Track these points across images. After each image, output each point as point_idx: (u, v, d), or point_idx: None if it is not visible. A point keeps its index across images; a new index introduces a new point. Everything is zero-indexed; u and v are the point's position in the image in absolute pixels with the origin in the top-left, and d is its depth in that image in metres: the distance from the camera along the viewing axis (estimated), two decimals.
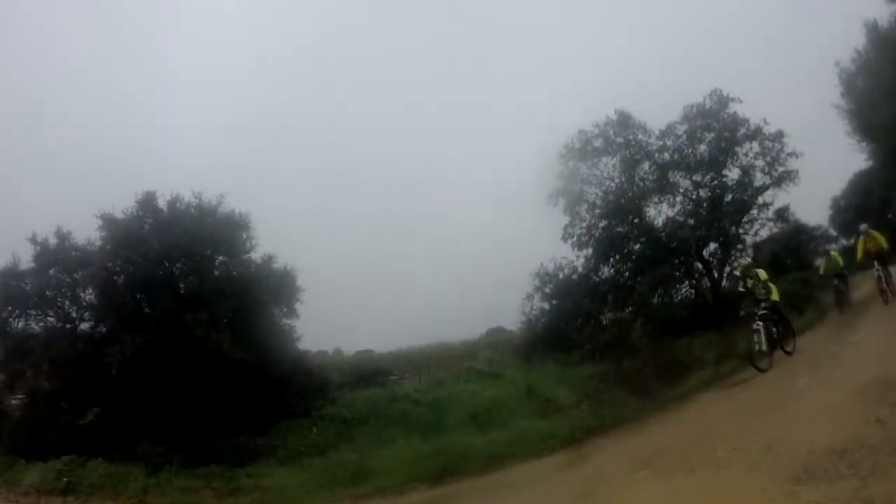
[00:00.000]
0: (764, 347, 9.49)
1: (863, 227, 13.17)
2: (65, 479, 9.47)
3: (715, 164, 15.88)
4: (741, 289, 10.65)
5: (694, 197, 15.89)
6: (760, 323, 9.63)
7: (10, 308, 12.93)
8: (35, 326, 13.01)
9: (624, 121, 15.33)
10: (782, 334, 10.23)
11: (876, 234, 12.50)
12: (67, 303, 12.74)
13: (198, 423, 11.27)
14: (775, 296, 10.25)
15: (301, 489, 8.70)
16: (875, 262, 11.78)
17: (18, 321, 13.16)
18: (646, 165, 15.24)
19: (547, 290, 13.78)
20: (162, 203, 11.28)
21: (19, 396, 13.79)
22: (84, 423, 12.12)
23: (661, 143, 15.80)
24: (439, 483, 8.35)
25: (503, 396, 12.26)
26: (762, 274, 10.48)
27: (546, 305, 13.85)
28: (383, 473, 9.07)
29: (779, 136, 15.28)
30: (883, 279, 11.70)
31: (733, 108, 15.41)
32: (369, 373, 12.85)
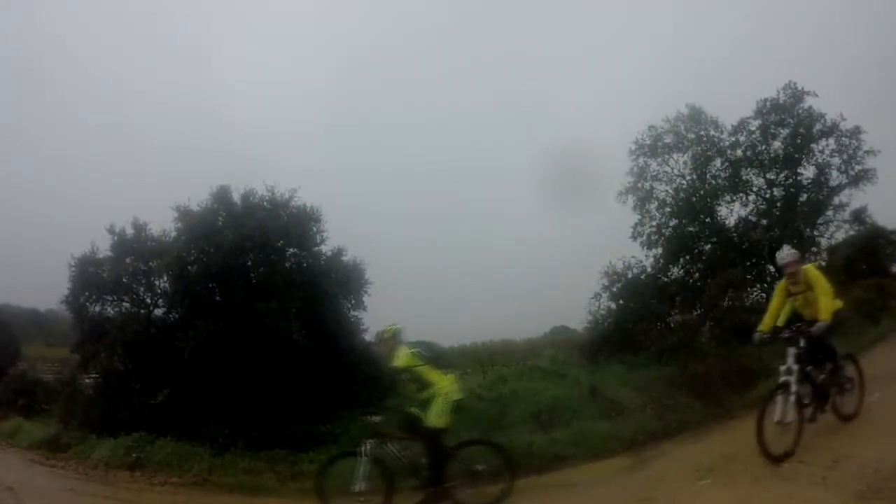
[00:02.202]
0: (787, 418, 5.61)
1: None
2: (133, 454, 9.81)
3: (789, 161, 15.16)
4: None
5: (767, 196, 15.22)
6: (790, 376, 5.72)
7: (87, 293, 13.42)
8: (111, 311, 13.46)
9: (695, 115, 14.81)
10: (827, 381, 6.18)
11: None
12: (142, 290, 13.16)
13: (264, 408, 11.48)
14: (824, 314, 5.96)
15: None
16: None
17: (95, 306, 13.63)
18: (718, 162, 14.71)
19: (615, 289, 13.50)
20: (236, 196, 11.50)
21: (93, 376, 14.41)
22: (154, 403, 12.57)
23: (733, 139, 15.19)
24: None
25: (566, 396, 12.06)
26: (812, 273, 6.33)
27: (613, 305, 13.59)
28: None
29: (856, 132, 14.52)
30: None
31: (808, 102, 14.63)
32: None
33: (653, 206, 14.04)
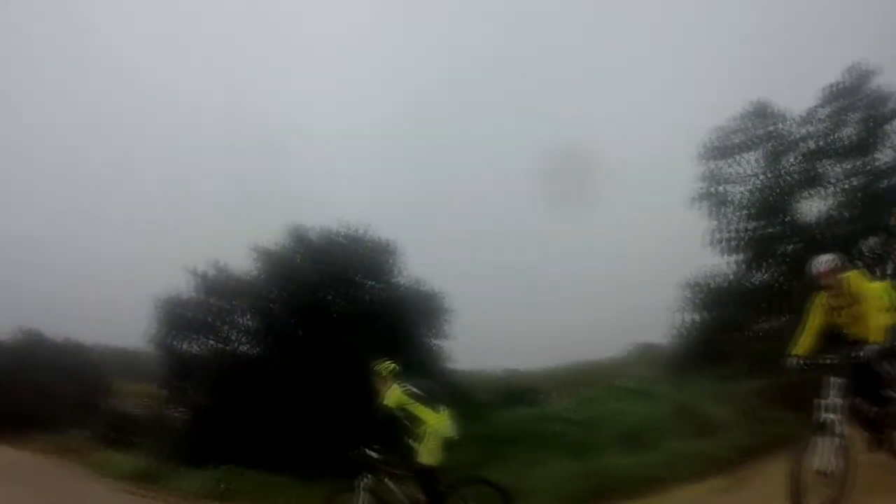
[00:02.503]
0: (830, 466, 4.68)
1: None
2: (222, 485, 10.18)
3: (865, 147, 14.32)
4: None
5: (846, 187, 14.38)
6: (833, 413, 4.75)
7: (173, 332, 14.08)
8: (196, 349, 14.09)
9: (761, 111, 14.20)
10: (881, 415, 5.03)
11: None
12: (226, 328, 13.74)
13: (350, 438, 11.71)
14: (878, 335, 4.82)
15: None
16: None
17: (181, 344, 14.31)
18: (790, 157, 14.00)
19: (697, 301, 13.07)
20: (312, 234, 11.86)
21: (180, 410, 15.05)
22: (241, 435, 13.03)
23: (803, 130, 14.44)
24: None
25: (654, 415, 11.81)
26: (857, 282, 5.19)
27: (697, 318, 13.15)
28: (532, 494, 9.03)
29: None
30: None
31: (876, 81, 13.75)
32: (518, 392, 12.84)
33: (728, 209, 13.53)
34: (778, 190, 13.55)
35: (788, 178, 13.81)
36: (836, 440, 4.62)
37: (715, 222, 13.43)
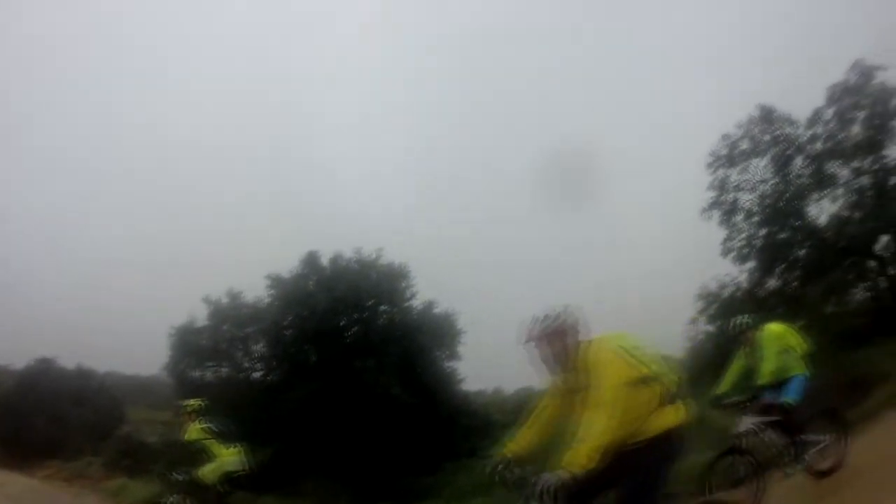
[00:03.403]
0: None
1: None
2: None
3: (872, 144, 14.20)
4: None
5: (856, 186, 14.28)
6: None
7: (187, 360, 14.08)
8: (210, 375, 14.10)
9: (767, 116, 14.12)
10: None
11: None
12: (240, 354, 13.75)
13: (366, 462, 11.66)
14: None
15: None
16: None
17: (195, 371, 14.30)
18: (798, 160, 13.94)
19: (711, 311, 12.99)
20: (324, 260, 11.87)
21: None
22: (257, 462, 12.98)
23: (810, 132, 14.35)
24: None
25: None
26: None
27: (712, 328, 13.05)
28: None
29: None
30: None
31: (879, 77, 13.65)
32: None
33: (739, 217, 13.45)
34: (788, 194, 13.46)
35: (798, 181, 13.73)
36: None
37: (726, 231, 13.40)
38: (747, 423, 5.22)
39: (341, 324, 11.76)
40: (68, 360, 23.94)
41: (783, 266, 13.01)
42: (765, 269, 13.05)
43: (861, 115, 13.93)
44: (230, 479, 6.51)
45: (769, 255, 12.97)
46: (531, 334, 3.06)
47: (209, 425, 6.65)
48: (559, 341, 2.97)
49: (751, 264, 13.17)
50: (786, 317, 13.00)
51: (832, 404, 6.45)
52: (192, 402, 7.08)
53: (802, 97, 14.71)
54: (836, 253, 13.11)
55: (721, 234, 13.75)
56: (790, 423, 5.32)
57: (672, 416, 2.89)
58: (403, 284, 11.84)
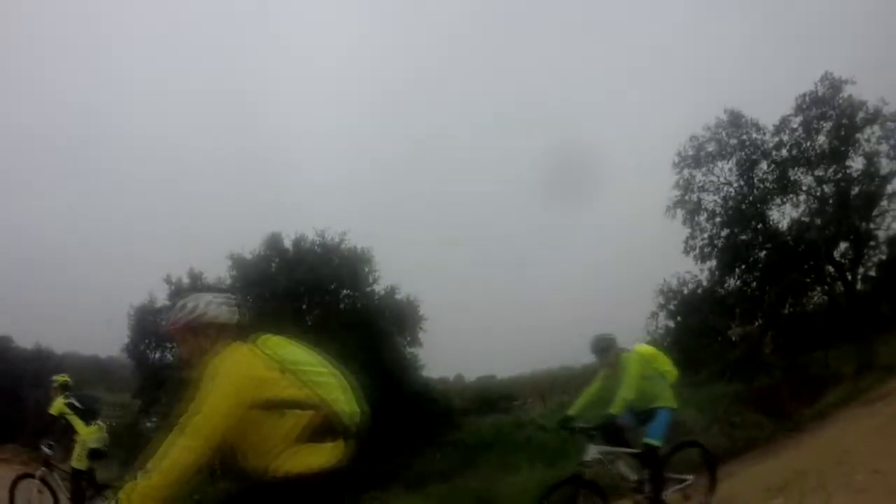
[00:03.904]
0: None
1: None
2: (195, 496, 9.96)
3: (836, 155, 14.63)
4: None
5: (818, 194, 14.71)
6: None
7: (146, 341, 13.84)
8: (170, 357, 13.88)
9: (735, 120, 14.40)
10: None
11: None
12: None
13: None
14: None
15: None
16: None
17: (154, 353, 14.05)
18: (763, 165, 14.26)
19: (671, 307, 13.21)
20: (287, 243, 11.76)
21: (154, 420, 14.80)
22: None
23: (776, 139, 14.72)
24: None
25: None
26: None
27: (671, 323, 13.29)
28: (507, 501, 8.97)
29: None
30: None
31: (847, 91, 14.07)
32: (493, 398, 12.82)
33: (702, 217, 13.67)
34: (751, 198, 13.75)
35: (761, 185, 14.03)
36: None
37: (689, 230, 13.65)
38: (595, 451, 4.70)
39: (303, 306, 11.65)
40: (25, 340, 23.38)
41: (743, 266, 13.27)
42: (725, 269, 13.30)
43: (827, 125, 14.30)
44: (93, 454, 6.66)
45: (730, 255, 13.21)
46: (169, 323, 2.51)
47: (71, 401, 6.83)
48: (192, 338, 2.40)
49: (711, 263, 13.48)
50: (745, 316, 13.45)
51: (698, 439, 6.03)
52: (58, 377, 7.28)
53: (771, 106, 15.08)
54: (796, 256, 13.44)
55: (684, 232, 14.03)
56: (649, 456, 4.81)
57: (319, 456, 2.23)
58: (366, 269, 11.79)
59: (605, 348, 5.11)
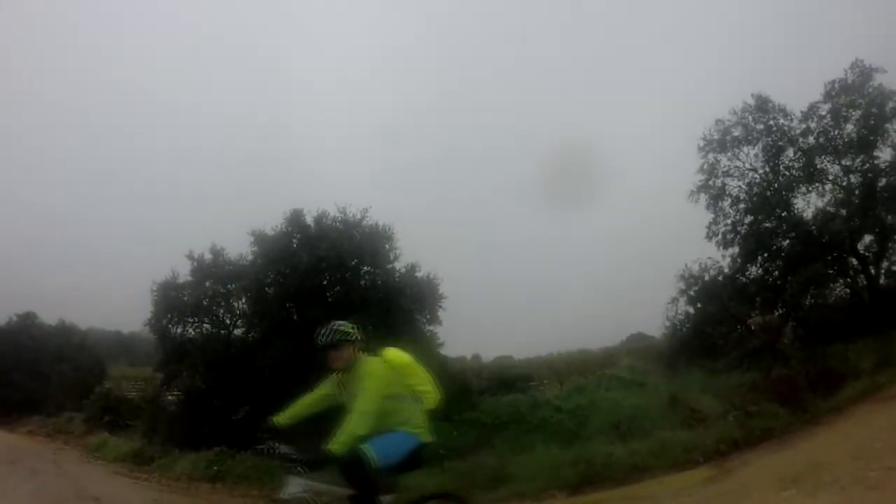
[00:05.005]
0: None
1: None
2: (214, 468, 10.18)
3: (864, 144, 14.32)
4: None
5: (844, 184, 14.42)
6: None
7: (169, 316, 14.08)
8: (192, 332, 14.10)
9: (762, 105, 14.17)
10: None
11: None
12: (222, 311, 13.72)
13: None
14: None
15: (439, 491, 8.88)
16: None
17: (177, 327, 14.30)
18: (790, 152, 14.04)
19: (692, 293, 13.11)
20: (309, 219, 11.84)
21: (175, 393, 15.06)
22: (235, 419, 13.03)
23: (804, 126, 14.44)
24: (577, 492, 8.11)
25: (645, 405, 11.83)
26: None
27: (691, 309, 13.20)
28: (521, 479, 9.08)
29: None
30: None
31: (877, 79, 13.74)
32: (509, 379, 12.87)
33: (726, 203, 13.56)
34: (776, 185, 13.56)
35: (787, 173, 13.83)
36: None
37: (712, 215, 13.51)
38: (298, 485, 3.40)
39: (323, 283, 11.75)
40: (50, 316, 23.96)
41: (765, 255, 13.14)
42: (747, 256, 13.18)
43: (856, 114, 14.01)
44: None
45: (753, 242, 13.08)
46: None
47: None
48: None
49: (733, 250, 13.35)
50: (765, 305, 13.33)
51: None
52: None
53: (799, 91, 14.82)
54: (819, 247, 13.24)
55: (707, 217, 13.87)
56: (354, 469, 3.32)
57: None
58: (387, 246, 11.84)
59: (335, 343, 3.56)
